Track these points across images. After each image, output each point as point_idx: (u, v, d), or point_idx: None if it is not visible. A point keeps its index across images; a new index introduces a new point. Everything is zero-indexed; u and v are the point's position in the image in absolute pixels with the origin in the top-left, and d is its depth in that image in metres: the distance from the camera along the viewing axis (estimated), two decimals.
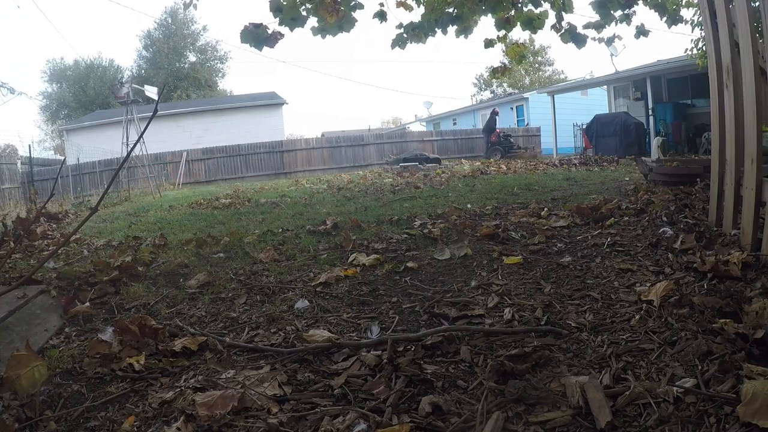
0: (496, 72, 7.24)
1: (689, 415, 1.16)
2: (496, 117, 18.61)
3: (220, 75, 39.18)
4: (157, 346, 1.81)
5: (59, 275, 2.85)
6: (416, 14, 6.33)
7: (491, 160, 16.13)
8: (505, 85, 38.82)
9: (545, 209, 4.15)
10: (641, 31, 6.20)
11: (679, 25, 6.15)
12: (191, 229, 4.82)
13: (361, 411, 1.29)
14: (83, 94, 34.27)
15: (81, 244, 4.30)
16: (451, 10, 5.92)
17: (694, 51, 9.62)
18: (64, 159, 19.18)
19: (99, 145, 18.01)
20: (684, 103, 14.06)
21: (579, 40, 6.10)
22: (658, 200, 3.96)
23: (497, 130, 18.11)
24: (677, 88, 14.64)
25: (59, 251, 3.82)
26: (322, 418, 1.28)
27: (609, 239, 2.86)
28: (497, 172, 10.28)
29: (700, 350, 1.42)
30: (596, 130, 14.39)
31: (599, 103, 20.07)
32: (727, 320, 1.56)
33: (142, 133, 2.01)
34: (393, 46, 6.24)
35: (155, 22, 36.07)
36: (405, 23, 6.17)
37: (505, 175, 9.00)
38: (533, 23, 5.90)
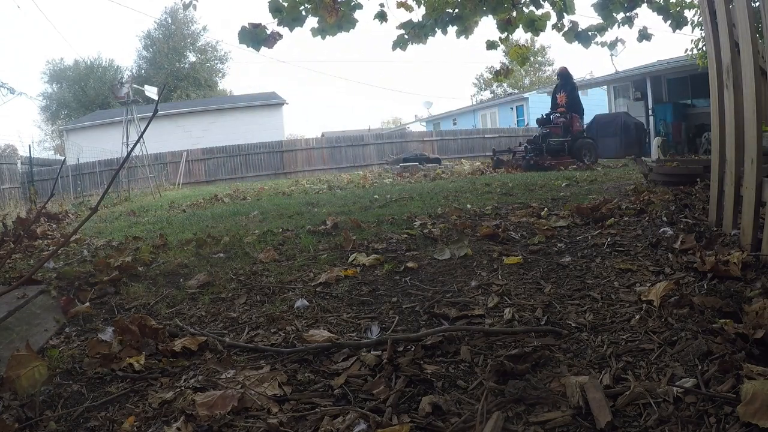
0: (498, 74, 7.19)
1: (689, 415, 1.16)
2: None
3: (220, 75, 39.24)
4: (157, 346, 1.81)
5: (59, 275, 2.85)
6: (417, 15, 6.31)
7: None
8: (505, 85, 38.77)
9: (545, 209, 4.15)
10: (644, 35, 6.16)
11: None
12: (191, 229, 4.82)
13: (361, 411, 1.29)
14: (83, 95, 34.27)
15: (81, 244, 4.30)
16: (451, 10, 5.90)
17: (694, 51, 9.63)
18: (64, 159, 19.17)
19: (99, 145, 18.00)
20: (684, 103, 14.07)
21: (584, 39, 6.05)
22: (658, 200, 3.95)
23: None
24: (677, 88, 14.65)
25: (59, 251, 3.82)
26: (322, 418, 1.28)
27: (609, 239, 2.86)
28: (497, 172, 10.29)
29: (700, 350, 1.42)
30: (596, 131, 14.40)
31: (599, 103, 20.07)
32: (727, 320, 1.56)
33: (142, 133, 2.01)
34: (394, 47, 6.22)
35: (155, 22, 36.15)
36: (405, 23, 6.16)
37: (505, 175, 9.01)
38: (535, 24, 5.87)
